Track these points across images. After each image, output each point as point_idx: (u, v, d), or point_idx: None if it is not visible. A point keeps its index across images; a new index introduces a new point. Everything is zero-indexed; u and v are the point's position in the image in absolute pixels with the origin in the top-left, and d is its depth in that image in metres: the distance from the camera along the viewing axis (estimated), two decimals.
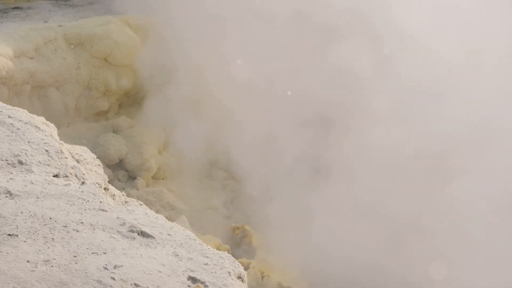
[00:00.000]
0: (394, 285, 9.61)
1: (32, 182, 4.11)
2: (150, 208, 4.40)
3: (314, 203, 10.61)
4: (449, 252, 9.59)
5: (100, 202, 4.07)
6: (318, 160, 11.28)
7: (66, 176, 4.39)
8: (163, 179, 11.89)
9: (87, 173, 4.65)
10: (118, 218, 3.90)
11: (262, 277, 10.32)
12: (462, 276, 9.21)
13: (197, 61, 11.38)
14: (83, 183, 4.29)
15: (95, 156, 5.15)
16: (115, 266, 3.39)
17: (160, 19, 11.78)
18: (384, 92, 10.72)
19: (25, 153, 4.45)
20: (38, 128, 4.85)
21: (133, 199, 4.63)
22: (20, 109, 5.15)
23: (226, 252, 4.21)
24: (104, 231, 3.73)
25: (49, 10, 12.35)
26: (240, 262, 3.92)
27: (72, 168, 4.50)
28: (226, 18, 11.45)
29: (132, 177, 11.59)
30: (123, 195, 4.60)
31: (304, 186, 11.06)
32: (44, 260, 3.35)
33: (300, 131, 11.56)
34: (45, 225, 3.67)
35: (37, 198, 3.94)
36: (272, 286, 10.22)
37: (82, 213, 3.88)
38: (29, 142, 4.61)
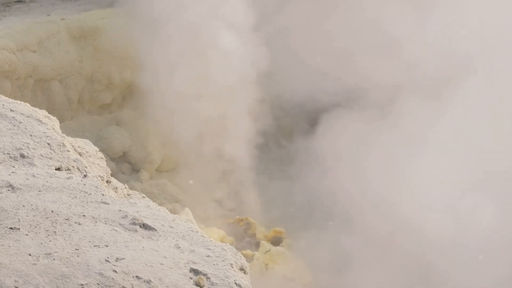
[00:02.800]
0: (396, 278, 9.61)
1: (34, 176, 4.11)
2: (154, 201, 4.39)
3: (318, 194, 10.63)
4: None
5: (102, 195, 4.06)
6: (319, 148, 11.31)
7: (68, 169, 4.38)
8: (166, 171, 11.91)
9: (89, 166, 4.65)
10: (120, 210, 3.89)
11: (267, 269, 10.33)
12: None
13: (197, 54, 11.37)
14: (85, 176, 4.28)
15: (98, 149, 5.14)
16: (116, 258, 3.38)
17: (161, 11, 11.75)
18: None
19: (27, 147, 4.45)
20: (40, 121, 4.83)
21: (135, 191, 4.63)
22: (22, 102, 5.13)
23: (230, 244, 4.20)
24: (106, 224, 3.73)
25: (51, 4, 12.33)
26: (244, 254, 3.92)
27: (74, 161, 4.49)
28: None
29: (135, 170, 11.61)
30: (126, 188, 4.59)
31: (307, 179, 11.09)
32: (45, 253, 3.35)
33: (299, 123, 11.57)
34: (47, 218, 3.67)
35: (39, 191, 3.94)
36: (276, 277, 10.23)
37: (84, 206, 3.88)
38: (31, 135, 4.60)
